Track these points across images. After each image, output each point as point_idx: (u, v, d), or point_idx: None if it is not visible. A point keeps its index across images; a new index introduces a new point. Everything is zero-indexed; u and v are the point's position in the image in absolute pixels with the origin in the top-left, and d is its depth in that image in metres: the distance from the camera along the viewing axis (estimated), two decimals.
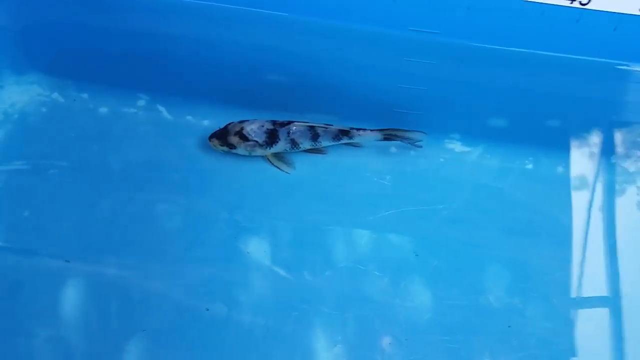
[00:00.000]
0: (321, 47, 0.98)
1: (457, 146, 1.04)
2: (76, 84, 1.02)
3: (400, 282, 0.90)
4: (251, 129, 0.96)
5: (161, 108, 1.02)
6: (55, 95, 1.02)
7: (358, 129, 0.98)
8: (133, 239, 0.91)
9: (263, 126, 0.96)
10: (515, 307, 0.90)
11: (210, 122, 1.02)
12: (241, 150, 0.96)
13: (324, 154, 0.99)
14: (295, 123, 0.97)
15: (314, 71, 0.99)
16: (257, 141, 0.96)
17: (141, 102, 1.02)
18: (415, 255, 0.92)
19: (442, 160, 1.02)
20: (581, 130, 1.03)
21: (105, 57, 1.01)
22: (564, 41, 0.95)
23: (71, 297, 0.87)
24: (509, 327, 0.89)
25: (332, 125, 0.98)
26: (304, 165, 1.00)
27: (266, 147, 0.97)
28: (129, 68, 1.02)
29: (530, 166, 1.02)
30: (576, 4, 0.92)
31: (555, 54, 0.96)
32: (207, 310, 0.86)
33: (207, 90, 1.02)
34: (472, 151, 1.03)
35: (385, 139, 0.99)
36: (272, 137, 0.96)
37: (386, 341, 0.86)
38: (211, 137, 0.97)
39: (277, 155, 0.98)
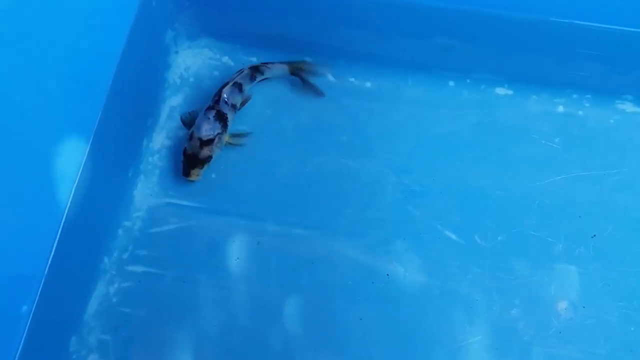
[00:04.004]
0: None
1: (629, 107, 1.00)
2: (245, 48, 1.06)
3: (575, 248, 0.91)
4: (205, 130, 0.94)
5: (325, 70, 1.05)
6: (225, 59, 1.07)
7: (266, 63, 1.00)
8: (311, 199, 0.96)
9: (209, 118, 0.95)
10: None
11: (372, 84, 1.04)
12: (217, 151, 0.96)
13: (249, 99, 1.00)
14: (223, 90, 0.97)
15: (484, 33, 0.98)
16: (219, 133, 0.95)
17: None
18: (588, 222, 0.92)
19: (612, 121, 1.00)
20: None
21: (271, 21, 1.03)
22: None
23: (254, 254, 0.94)
24: None
25: (243, 69, 0.99)
26: (468, 128, 1.00)
27: (224, 132, 0.96)
28: (293, 32, 1.04)
29: None
30: None
31: None
32: (388, 275, 0.91)
33: (369, 52, 1.03)
34: None
35: (292, 73, 1.01)
36: (221, 119, 0.95)
37: (562, 305, 0.88)
38: (186, 174, 0.94)
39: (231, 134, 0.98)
